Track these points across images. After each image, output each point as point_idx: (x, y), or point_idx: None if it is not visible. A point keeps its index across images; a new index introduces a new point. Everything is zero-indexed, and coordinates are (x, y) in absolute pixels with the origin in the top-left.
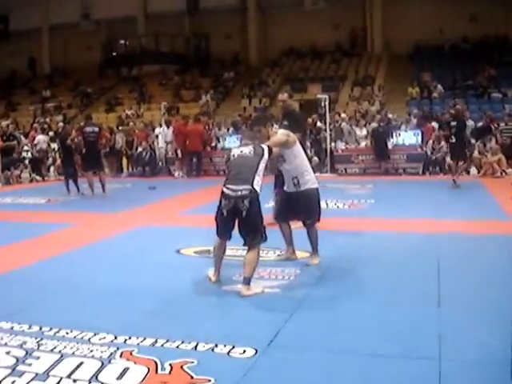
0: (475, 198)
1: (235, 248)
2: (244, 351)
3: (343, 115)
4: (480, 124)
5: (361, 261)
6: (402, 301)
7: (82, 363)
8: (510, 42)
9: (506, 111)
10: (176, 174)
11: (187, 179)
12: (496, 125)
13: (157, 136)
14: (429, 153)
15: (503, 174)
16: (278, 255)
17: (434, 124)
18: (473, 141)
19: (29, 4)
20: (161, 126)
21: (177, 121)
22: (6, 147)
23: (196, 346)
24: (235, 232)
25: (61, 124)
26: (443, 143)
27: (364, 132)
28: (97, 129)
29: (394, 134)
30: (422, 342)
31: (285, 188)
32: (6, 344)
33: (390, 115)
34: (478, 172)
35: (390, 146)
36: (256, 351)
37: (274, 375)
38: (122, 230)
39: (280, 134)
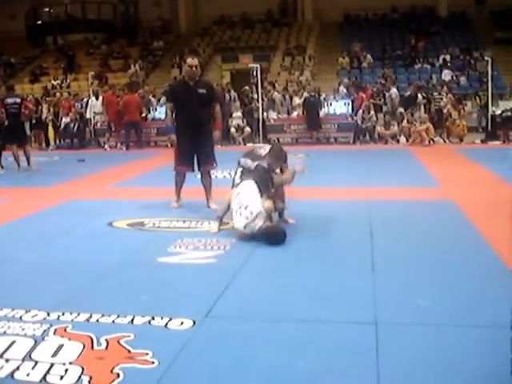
0: (405, 166)
1: (169, 219)
2: (182, 323)
3: (277, 86)
4: (407, 93)
5: (293, 229)
6: (337, 267)
7: (14, 342)
8: (437, 12)
9: (434, 81)
10: (106, 146)
11: (125, 152)
12: (424, 94)
13: (85, 106)
14: (359, 122)
15: (431, 142)
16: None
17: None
18: (401, 109)
19: None
20: (89, 96)
21: (105, 91)
22: None
23: (132, 320)
24: None
25: None
26: (372, 112)
27: (299, 101)
28: (19, 100)
29: (325, 104)
30: (357, 307)
31: None
32: None
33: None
34: (407, 141)
35: (321, 115)
36: (194, 322)
37: (212, 346)
38: (51, 205)
39: None
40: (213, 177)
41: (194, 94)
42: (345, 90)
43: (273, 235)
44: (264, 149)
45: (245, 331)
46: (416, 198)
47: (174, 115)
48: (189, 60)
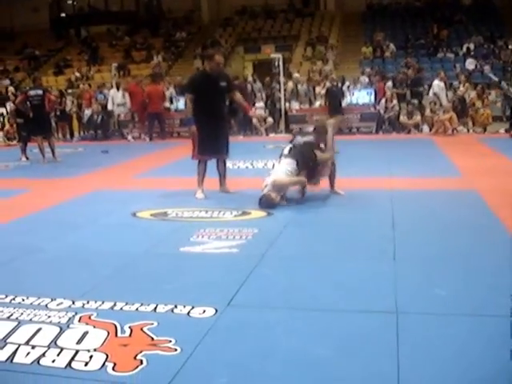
0: (427, 156)
1: (191, 210)
2: (204, 311)
3: (296, 75)
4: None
5: (316, 219)
6: (358, 256)
7: (40, 329)
8: (461, 0)
9: (457, 70)
10: (129, 137)
11: (149, 142)
12: (445, 81)
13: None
14: (382, 112)
15: (454, 131)
16: (235, 215)
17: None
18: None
19: None
20: (112, 87)
21: (129, 82)
22: None
23: (155, 308)
24: None
25: (11, 88)
26: (395, 102)
27: (322, 90)
28: (41, 92)
29: (347, 94)
30: (378, 296)
31: None
32: None
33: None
34: (430, 130)
35: (344, 105)
36: (216, 311)
37: (234, 334)
38: (76, 195)
39: None
40: (235, 167)
41: (216, 86)
42: (367, 80)
43: (260, 200)
44: (312, 127)
45: (266, 319)
46: (438, 187)
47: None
48: (217, 57)
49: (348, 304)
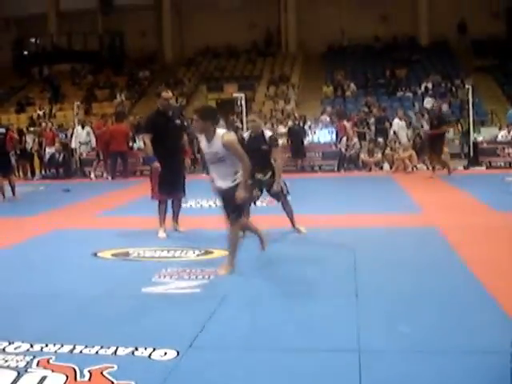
0: (388, 193)
1: (153, 249)
2: (165, 353)
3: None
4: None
5: (278, 257)
6: (320, 295)
7: None
8: (418, 41)
9: (416, 109)
10: (92, 175)
11: (111, 181)
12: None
13: (71, 136)
14: (343, 150)
15: (414, 169)
16: (198, 255)
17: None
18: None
19: None
20: (74, 126)
21: (96, 121)
22: None
23: (116, 351)
24: None
25: None
26: (356, 140)
27: (284, 129)
28: (3, 130)
29: (309, 132)
30: (340, 335)
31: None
32: None
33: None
34: (391, 168)
35: (306, 143)
36: (178, 353)
37: (195, 376)
38: (36, 234)
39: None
40: (197, 206)
41: (172, 124)
42: (328, 119)
43: None
44: None
45: (227, 362)
46: (399, 225)
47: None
48: (164, 94)
49: (310, 343)
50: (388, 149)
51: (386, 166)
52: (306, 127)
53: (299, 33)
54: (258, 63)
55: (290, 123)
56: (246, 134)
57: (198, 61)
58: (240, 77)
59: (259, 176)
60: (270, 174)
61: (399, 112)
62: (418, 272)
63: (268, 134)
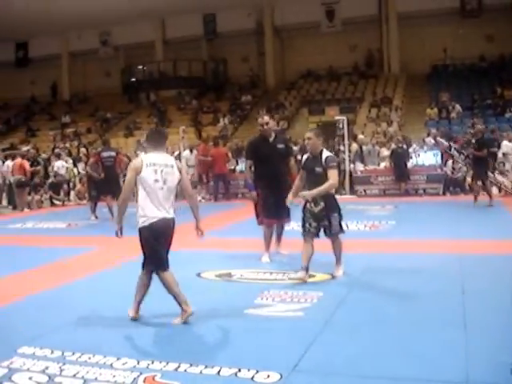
0: (497, 218)
1: (256, 271)
2: (268, 376)
3: (361, 136)
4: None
5: (384, 283)
6: (427, 323)
7: None
8: None
9: None
10: (199, 197)
11: (214, 203)
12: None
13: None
14: (449, 173)
15: None
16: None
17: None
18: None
19: (48, 31)
20: (180, 150)
21: (198, 145)
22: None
23: (219, 371)
24: None
25: (83, 149)
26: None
27: (387, 152)
28: (113, 153)
29: (413, 155)
30: (448, 365)
31: None
32: (28, 369)
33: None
34: (500, 191)
35: (409, 166)
36: (281, 376)
37: None
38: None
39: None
40: (290, 228)
41: (274, 149)
42: (433, 141)
43: None
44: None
45: None
46: (509, 251)
47: (253, 171)
48: (259, 120)
49: (416, 373)
50: (496, 172)
51: (495, 189)
52: (411, 150)
53: (401, 53)
54: (359, 85)
55: (393, 145)
56: (305, 156)
57: (299, 84)
58: (341, 99)
59: (309, 206)
60: (321, 205)
61: (509, 134)
62: None
63: (326, 154)
